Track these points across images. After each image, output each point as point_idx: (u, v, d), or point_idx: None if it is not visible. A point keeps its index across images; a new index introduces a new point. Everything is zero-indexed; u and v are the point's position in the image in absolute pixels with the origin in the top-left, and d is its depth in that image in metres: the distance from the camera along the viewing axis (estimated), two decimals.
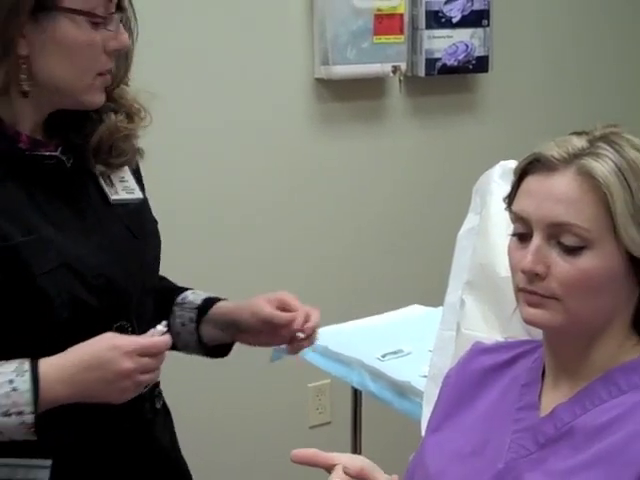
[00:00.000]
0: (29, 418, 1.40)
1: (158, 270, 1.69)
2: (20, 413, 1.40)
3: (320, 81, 3.16)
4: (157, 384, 1.66)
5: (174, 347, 1.66)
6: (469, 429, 1.42)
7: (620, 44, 3.76)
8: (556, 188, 1.30)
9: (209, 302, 1.73)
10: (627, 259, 1.29)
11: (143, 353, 1.44)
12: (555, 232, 1.30)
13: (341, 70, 3.10)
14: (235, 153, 3.06)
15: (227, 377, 3.04)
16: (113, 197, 1.58)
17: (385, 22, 3.13)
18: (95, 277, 1.49)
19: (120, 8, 1.53)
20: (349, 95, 3.23)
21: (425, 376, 1.93)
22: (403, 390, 2.18)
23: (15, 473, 1.49)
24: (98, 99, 1.53)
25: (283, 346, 2.48)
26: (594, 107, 3.62)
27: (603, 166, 1.28)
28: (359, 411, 2.57)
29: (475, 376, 1.48)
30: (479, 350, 1.53)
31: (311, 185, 3.21)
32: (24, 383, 1.40)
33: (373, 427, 2.74)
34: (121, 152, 1.60)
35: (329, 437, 3.16)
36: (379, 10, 3.11)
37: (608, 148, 1.30)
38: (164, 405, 1.71)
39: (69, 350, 1.44)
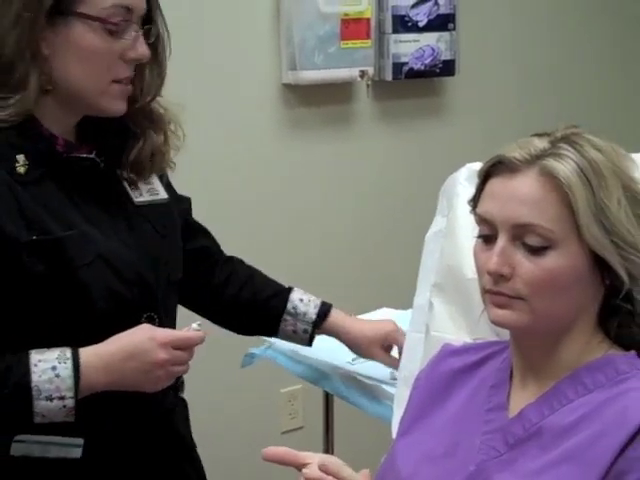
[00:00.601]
0: (70, 402, 1.50)
1: (181, 266, 1.77)
2: (62, 398, 1.50)
3: (288, 86, 3.17)
4: (181, 375, 1.75)
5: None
6: (439, 431, 1.43)
7: (587, 47, 3.79)
8: (519, 189, 1.31)
9: (322, 316, 1.95)
10: (591, 258, 1.30)
11: (177, 345, 1.55)
12: (519, 233, 1.31)
13: (308, 75, 3.11)
14: (202, 158, 3.05)
15: (199, 383, 3.03)
16: (137, 200, 1.68)
17: (352, 27, 3.14)
18: (128, 270, 1.58)
19: (148, 20, 1.62)
20: (317, 100, 3.23)
21: (395, 379, 1.93)
22: (374, 393, 2.18)
23: (48, 450, 1.58)
24: (116, 107, 1.61)
25: (254, 350, 2.49)
26: (561, 109, 3.64)
27: (565, 166, 1.29)
28: (331, 415, 2.57)
29: (444, 378, 1.49)
30: (448, 352, 1.54)
31: (279, 190, 3.21)
32: (66, 370, 1.50)
33: (345, 431, 2.74)
34: (156, 168, 1.70)
35: (302, 442, 3.14)
36: (346, 15, 3.12)
37: (569, 148, 1.31)
38: (182, 397, 1.82)
39: (109, 340, 1.54)
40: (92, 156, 1.61)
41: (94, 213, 1.60)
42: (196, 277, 1.88)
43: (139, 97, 1.65)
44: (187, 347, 1.57)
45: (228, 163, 3.10)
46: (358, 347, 1.99)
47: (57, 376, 1.49)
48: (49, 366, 1.50)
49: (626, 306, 1.35)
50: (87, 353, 1.52)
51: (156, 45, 1.65)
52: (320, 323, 1.95)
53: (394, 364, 1.96)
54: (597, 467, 1.23)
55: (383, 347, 1.98)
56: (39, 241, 1.51)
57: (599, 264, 1.31)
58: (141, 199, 1.68)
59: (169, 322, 1.68)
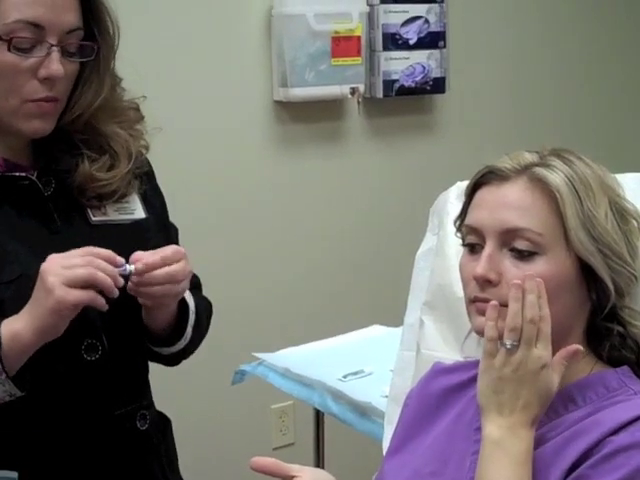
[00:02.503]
0: None
1: None
2: None
3: (279, 103, 3.18)
4: (142, 406, 1.66)
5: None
6: (429, 450, 1.43)
7: (579, 65, 3.81)
8: (508, 196, 1.32)
9: None
10: (578, 267, 1.31)
11: (66, 255, 1.44)
12: (507, 239, 1.31)
13: (300, 92, 3.12)
14: (195, 176, 3.06)
15: (189, 400, 3.03)
16: (94, 218, 1.60)
17: (343, 44, 3.16)
18: None
19: (89, 36, 1.55)
20: (308, 117, 3.24)
21: (386, 396, 1.93)
22: (365, 411, 2.18)
23: None
24: (35, 126, 1.54)
25: (244, 368, 2.49)
26: (551, 127, 3.66)
27: (554, 175, 1.31)
28: (322, 432, 2.57)
29: (435, 397, 1.49)
30: (439, 370, 1.54)
31: (270, 206, 3.22)
32: None
33: (336, 448, 2.74)
34: (104, 195, 1.60)
35: (293, 458, 3.13)
36: (336, 32, 3.13)
37: (558, 161, 1.34)
38: (160, 429, 1.72)
39: None
40: (24, 174, 1.55)
41: (31, 232, 1.54)
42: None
43: (67, 114, 1.58)
44: (79, 255, 1.44)
45: (220, 179, 3.11)
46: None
47: None
48: None
49: (618, 328, 1.35)
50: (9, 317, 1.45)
51: (96, 61, 1.58)
52: None
53: None
54: (559, 467, 1.25)
55: None
56: None
57: (586, 275, 1.32)
58: (100, 218, 1.60)
59: (124, 353, 1.59)
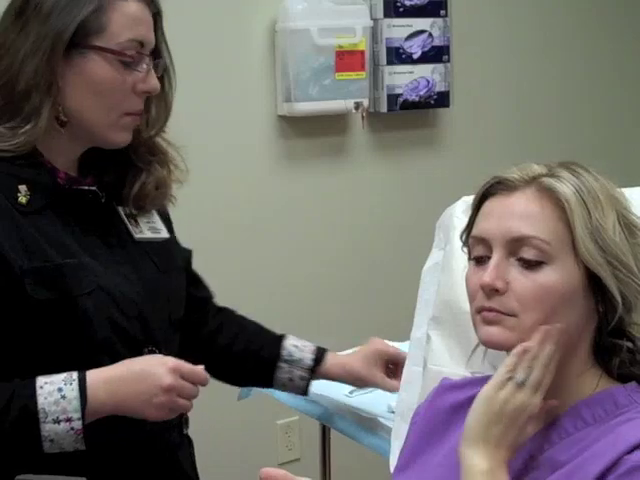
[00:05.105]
0: (77, 424, 1.48)
1: (183, 303, 1.76)
2: (69, 420, 1.48)
3: (283, 118, 3.18)
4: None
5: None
6: (437, 467, 1.42)
7: (583, 78, 3.81)
8: (516, 205, 1.32)
9: (318, 361, 1.90)
10: (586, 278, 1.31)
11: (185, 376, 1.53)
12: (515, 248, 1.31)
13: (304, 107, 3.12)
14: (198, 191, 3.05)
15: (195, 415, 3.02)
16: (137, 236, 1.67)
17: (346, 59, 3.16)
18: (128, 304, 1.58)
19: (156, 54, 1.63)
20: (312, 131, 3.25)
21: (393, 412, 1.93)
22: (371, 426, 2.17)
23: None
24: (122, 138, 1.61)
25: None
26: (556, 140, 3.66)
27: (562, 185, 1.31)
28: (328, 448, 2.56)
29: (443, 413, 1.48)
30: (447, 386, 1.53)
31: (274, 221, 3.22)
32: (72, 391, 1.48)
33: (342, 463, 2.73)
34: (158, 202, 1.71)
35: (299, 474, 3.12)
36: (340, 47, 3.14)
37: (567, 173, 1.34)
38: (187, 434, 1.80)
39: (118, 363, 1.53)
40: (94, 189, 1.63)
41: (94, 245, 1.60)
42: (188, 326, 1.83)
43: (144, 130, 1.66)
44: (193, 380, 1.55)
45: (224, 194, 3.11)
46: (360, 381, 1.96)
47: (63, 397, 1.48)
48: (55, 388, 1.48)
49: (627, 344, 1.34)
50: (94, 375, 1.51)
51: (163, 78, 1.66)
52: (316, 368, 1.91)
53: (395, 388, 1.91)
54: None
55: (382, 369, 1.95)
56: (40, 268, 1.51)
57: (593, 286, 1.31)
58: (141, 235, 1.68)
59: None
